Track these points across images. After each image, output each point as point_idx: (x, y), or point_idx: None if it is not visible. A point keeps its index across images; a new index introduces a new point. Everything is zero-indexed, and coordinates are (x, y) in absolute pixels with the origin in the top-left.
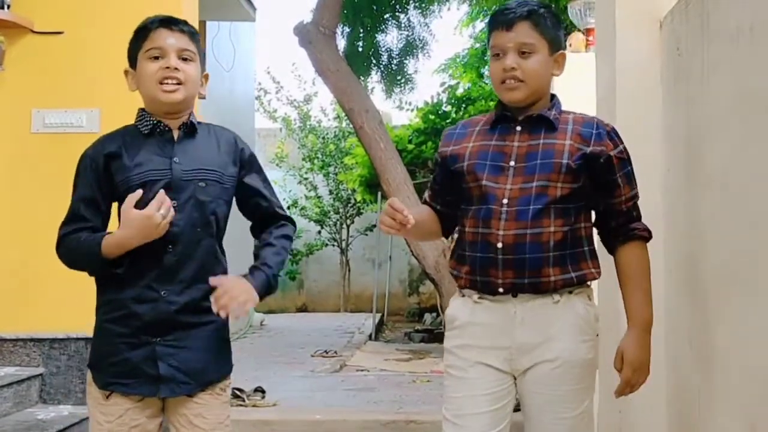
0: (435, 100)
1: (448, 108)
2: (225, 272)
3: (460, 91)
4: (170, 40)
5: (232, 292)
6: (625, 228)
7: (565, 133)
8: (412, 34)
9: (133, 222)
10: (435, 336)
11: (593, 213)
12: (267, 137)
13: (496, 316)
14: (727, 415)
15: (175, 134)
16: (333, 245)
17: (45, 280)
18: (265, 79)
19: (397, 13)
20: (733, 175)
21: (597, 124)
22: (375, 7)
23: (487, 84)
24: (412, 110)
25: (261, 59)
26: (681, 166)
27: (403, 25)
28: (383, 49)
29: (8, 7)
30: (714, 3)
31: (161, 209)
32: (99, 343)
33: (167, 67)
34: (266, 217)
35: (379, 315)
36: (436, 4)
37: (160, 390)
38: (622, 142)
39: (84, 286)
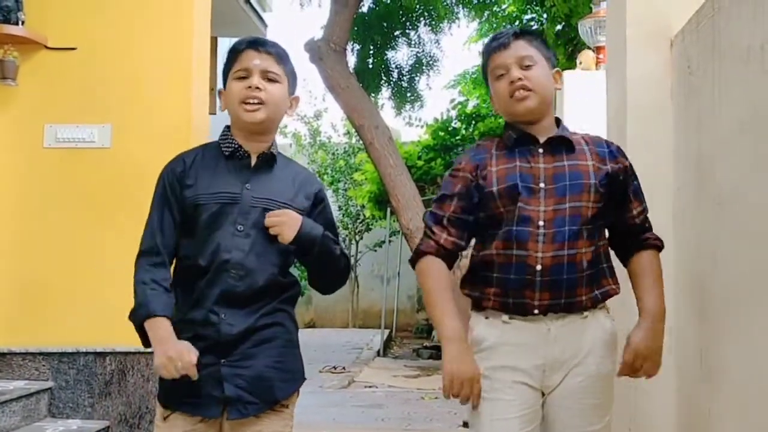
0: (444, 117)
1: (458, 124)
2: (294, 296)
3: (469, 108)
4: (255, 61)
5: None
6: (639, 238)
7: (585, 154)
8: (422, 50)
9: (167, 350)
10: None
11: (607, 230)
12: None
13: (529, 335)
14: (736, 431)
15: (253, 160)
16: None
17: (55, 294)
18: None
19: (407, 31)
20: (745, 193)
21: (606, 143)
22: (385, 24)
23: None
24: (422, 126)
25: None
26: (691, 184)
27: (413, 42)
28: (393, 66)
29: (22, 23)
30: (725, 22)
31: (182, 365)
32: None
33: (249, 87)
34: None
35: (387, 331)
36: (446, 21)
37: (228, 412)
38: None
39: (93, 300)
